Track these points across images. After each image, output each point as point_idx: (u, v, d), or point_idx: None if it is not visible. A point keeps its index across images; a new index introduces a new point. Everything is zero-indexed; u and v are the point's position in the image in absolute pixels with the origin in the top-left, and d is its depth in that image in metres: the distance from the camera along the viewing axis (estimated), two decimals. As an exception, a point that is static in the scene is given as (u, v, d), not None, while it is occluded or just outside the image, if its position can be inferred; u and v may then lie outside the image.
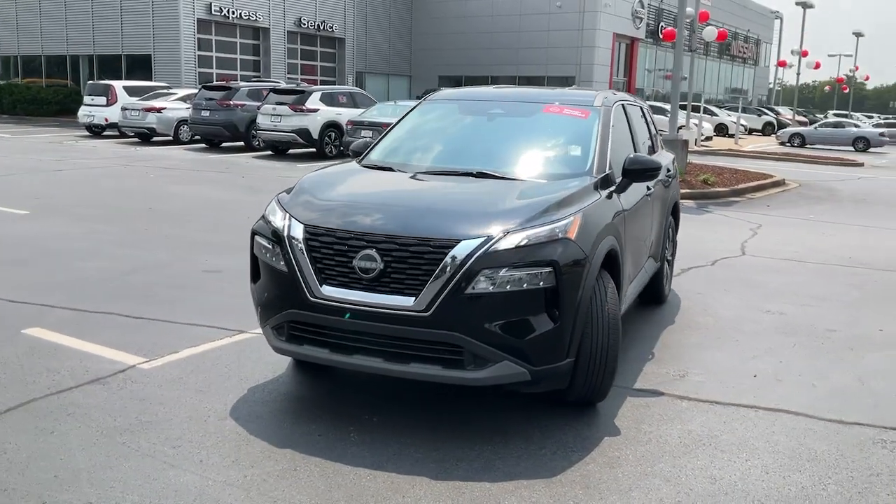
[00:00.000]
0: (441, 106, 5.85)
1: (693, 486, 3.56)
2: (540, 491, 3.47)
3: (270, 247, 4.20)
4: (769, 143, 35.67)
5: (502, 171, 4.78)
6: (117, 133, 24.54)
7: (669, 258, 7.04)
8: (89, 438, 3.83)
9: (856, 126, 38.61)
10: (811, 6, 47.37)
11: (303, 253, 4.00)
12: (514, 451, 3.86)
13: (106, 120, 23.97)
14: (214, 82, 25.56)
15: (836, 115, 55.74)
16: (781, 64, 50.49)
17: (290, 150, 20.99)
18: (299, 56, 39.65)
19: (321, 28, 39.84)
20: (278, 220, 4.24)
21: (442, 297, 3.74)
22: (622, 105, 5.74)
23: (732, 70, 64.21)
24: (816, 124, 39.00)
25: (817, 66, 52.15)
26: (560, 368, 3.95)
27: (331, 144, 20.05)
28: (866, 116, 62.66)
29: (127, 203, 11.66)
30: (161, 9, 33.85)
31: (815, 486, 3.59)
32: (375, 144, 5.42)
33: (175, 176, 15.39)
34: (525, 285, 3.79)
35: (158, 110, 22.50)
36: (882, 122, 51.11)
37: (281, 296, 4.13)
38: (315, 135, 19.67)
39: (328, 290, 3.93)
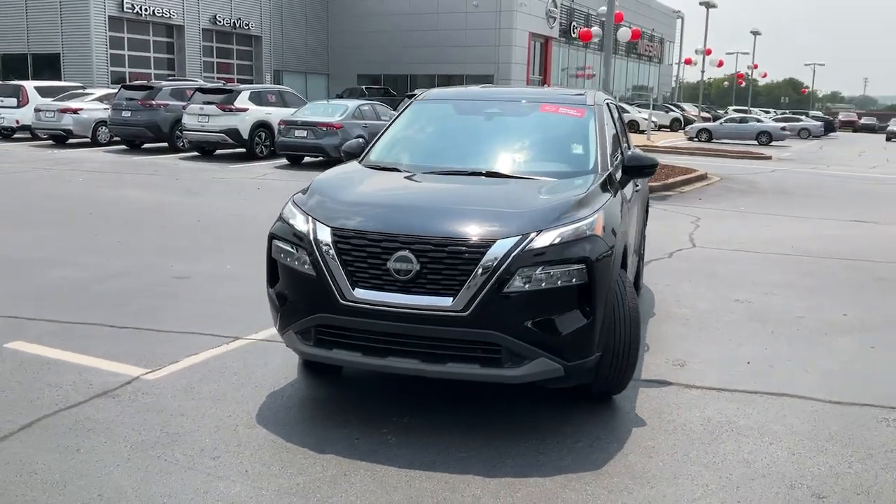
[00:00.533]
0: (434, 106, 5.85)
1: (731, 471, 3.71)
2: (592, 483, 3.55)
3: (294, 251, 4.13)
4: (678, 139, 36.95)
5: (511, 170, 4.84)
6: (29, 135, 23.43)
7: (642, 251, 7.26)
8: (120, 454, 3.69)
9: (758, 121, 40.51)
10: (714, 6, 49.31)
11: (332, 256, 3.95)
12: (552, 446, 3.93)
13: (17, 122, 22.82)
14: (135, 82, 24.67)
15: (736, 110, 58.20)
16: (688, 62, 52.34)
17: (218, 151, 20.49)
18: (215, 54, 38.77)
19: (237, 25, 39.06)
20: (300, 222, 4.17)
21: (480, 296, 3.76)
22: (607, 103, 5.89)
23: (639, 68, 66.26)
24: (721, 120, 40.66)
25: (720, 64, 54.42)
26: (590, 363, 4.04)
27: (261, 144, 19.67)
28: (763, 111, 65.77)
29: (66, 208, 11.18)
30: (70, 6, 32.50)
31: (840, 464, 3.80)
32: (373, 145, 5.38)
33: (105, 179, 14.82)
34: (559, 282, 3.86)
35: (75, 111, 21.57)
36: (780, 116, 53.74)
37: (308, 300, 4.07)
38: (245, 135, 19.26)
39: (360, 293, 3.90)
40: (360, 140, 5.58)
